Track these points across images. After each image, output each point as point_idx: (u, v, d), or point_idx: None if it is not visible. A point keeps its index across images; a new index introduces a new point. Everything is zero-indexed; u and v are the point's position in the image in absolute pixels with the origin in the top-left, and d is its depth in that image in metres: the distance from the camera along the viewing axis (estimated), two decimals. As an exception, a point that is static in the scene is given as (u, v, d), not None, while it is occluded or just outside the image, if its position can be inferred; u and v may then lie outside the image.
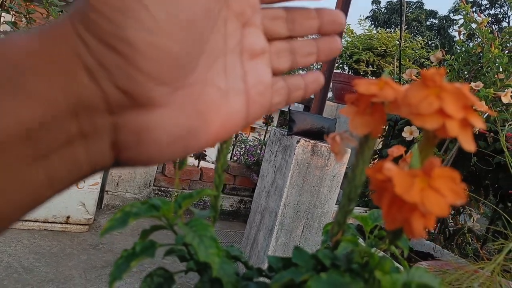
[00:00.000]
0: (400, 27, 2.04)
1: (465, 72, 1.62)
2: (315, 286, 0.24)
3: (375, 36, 2.15)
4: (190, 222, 0.31)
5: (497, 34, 1.51)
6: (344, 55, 2.19)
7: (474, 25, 1.58)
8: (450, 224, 1.68)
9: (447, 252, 1.48)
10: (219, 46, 0.23)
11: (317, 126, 1.62)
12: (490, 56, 1.43)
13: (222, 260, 0.33)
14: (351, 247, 0.34)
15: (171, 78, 0.20)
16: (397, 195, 0.21)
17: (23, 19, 1.82)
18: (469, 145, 0.23)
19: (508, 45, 1.50)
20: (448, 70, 1.65)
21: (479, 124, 0.23)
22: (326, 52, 0.29)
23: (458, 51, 1.68)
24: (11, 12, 1.80)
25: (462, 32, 1.60)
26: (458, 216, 1.69)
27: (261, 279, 0.35)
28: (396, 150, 0.41)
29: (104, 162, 0.20)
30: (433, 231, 1.75)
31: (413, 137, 1.57)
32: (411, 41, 2.38)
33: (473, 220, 1.65)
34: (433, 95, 0.23)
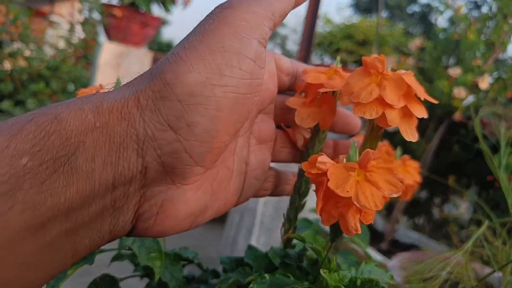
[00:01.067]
0: (378, 14, 2.01)
1: (444, 60, 1.60)
2: (257, 287, 0.23)
3: (355, 25, 2.12)
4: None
5: (474, 20, 1.49)
6: (322, 44, 2.16)
7: (451, 12, 1.56)
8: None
9: (433, 242, 1.46)
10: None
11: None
12: (467, 42, 1.40)
13: (170, 263, 0.32)
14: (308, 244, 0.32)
15: (209, 161, 0.21)
16: (331, 189, 0.20)
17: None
18: (410, 136, 0.22)
19: (484, 31, 1.48)
20: (427, 58, 1.63)
21: (420, 114, 0.22)
22: (344, 149, 0.31)
23: (438, 38, 1.66)
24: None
25: (438, 18, 1.58)
26: (443, 205, 1.68)
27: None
28: (357, 139, 0.39)
29: (123, 231, 0.20)
30: (418, 222, 1.74)
31: (396, 128, 1.54)
32: (391, 29, 2.35)
33: (457, 208, 1.64)
34: (375, 83, 0.22)
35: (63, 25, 1.91)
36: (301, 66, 0.28)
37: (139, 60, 2.02)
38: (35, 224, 0.16)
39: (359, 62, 2.26)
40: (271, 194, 0.30)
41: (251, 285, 0.23)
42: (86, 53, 1.99)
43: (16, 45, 1.75)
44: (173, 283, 0.30)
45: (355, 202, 0.19)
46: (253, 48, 0.20)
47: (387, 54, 1.89)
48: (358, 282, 0.24)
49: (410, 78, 0.22)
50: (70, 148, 0.17)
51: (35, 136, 0.16)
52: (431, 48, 1.59)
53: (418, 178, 0.38)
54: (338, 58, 0.28)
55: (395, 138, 1.55)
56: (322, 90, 0.25)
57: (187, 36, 0.20)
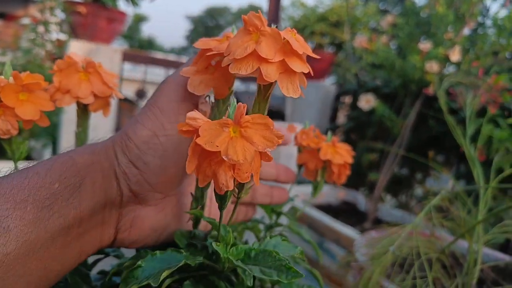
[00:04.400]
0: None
1: (417, 35, 1.59)
2: (146, 265, 0.24)
3: (328, 6, 2.09)
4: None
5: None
6: (296, 29, 2.12)
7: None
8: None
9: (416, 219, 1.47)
10: None
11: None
12: (437, 15, 1.40)
13: None
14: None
15: (165, 189, 0.29)
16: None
17: None
18: (291, 91, 0.21)
19: (454, 3, 1.47)
20: (400, 35, 1.61)
21: (300, 68, 0.22)
22: (278, 198, 0.38)
23: (410, 13, 1.65)
24: None
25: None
26: (424, 181, 1.69)
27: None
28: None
29: (108, 240, 0.28)
30: (402, 199, 1.75)
31: (371, 106, 1.53)
32: (365, 8, 2.32)
33: (438, 182, 1.65)
34: (253, 40, 0.22)
35: (37, 28, 1.84)
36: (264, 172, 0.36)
37: (108, 57, 1.96)
38: (66, 227, 0.24)
39: (334, 44, 2.23)
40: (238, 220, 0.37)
41: (139, 262, 0.23)
42: (61, 55, 1.92)
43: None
44: (75, 278, 0.29)
45: (223, 156, 0.19)
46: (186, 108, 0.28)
47: (361, 33, 1.88)
48: (252, 253, 0.23)
49: (289, 35, 0.22)
50: (80, 177, 0.25)
51: (61, 170, 0.25)
52: (403, 24, 1.58)
53: (349, 160, 0.38)
54: (234, 27, 0.28)
55: (371, 117, 1.55)
56: (209, 53, 0.25)
57: (143, 106, 0.30)
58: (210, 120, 0.21)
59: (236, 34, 0.24)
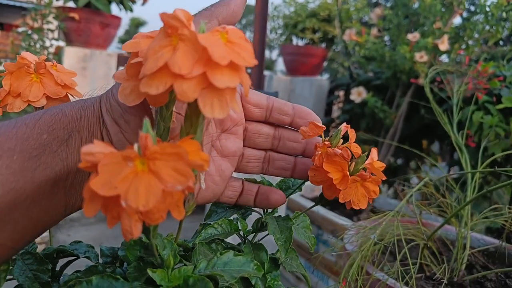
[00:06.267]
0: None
1: (407, 26, 1.60)
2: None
3: (318, 2, 2.10)
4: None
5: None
6: (289, 26, 2.14)
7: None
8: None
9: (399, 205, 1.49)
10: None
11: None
12: (424, 5, 1.41)
13: (37, 263, 0.31)
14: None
15: None
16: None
17: None
18: (215, 110, 0.17)
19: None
20: (390, 26, 1.62)
21: (226, 82, 0.17)
22: (301, 172, 0.34)
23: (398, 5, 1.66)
24: None
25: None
26: (419, 169, 1.70)
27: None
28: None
29: None
30: (398, 189, 1.76)
31: (362, 99, 1.55)
32: (355, 2, 2.33)
33: (431, 170, 1.66)
34: (171, 46, 0.18)
35: (32, 35, 1.86)
36: (277, 102, 0.33)
37: (104, 62, 1.98)
38: (52, 179, 0.24)
39: (325, 40, 2.25)
40: (237, 203, 0.34)
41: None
42: (59, 61, 1.95)
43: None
44: (35, 286, 0.29)
45: (122, 201, 0.15)
46: None
47: (352, 27, 1.89)
48: (191, 281, 0.21)
49: (213, 38, 0.18)
50: (69, 129, 0.25)
51: (49, 121, 0.25)
52: (392, 15, 1.59)
53: (376, 194, 0.31)
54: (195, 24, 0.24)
55: (365, 109, 1.56)
56: (133, 61, 0.21)
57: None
58: (113, 151, 0.17)
59: (156, 36, 0.19)
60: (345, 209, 1.56)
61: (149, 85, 0.18)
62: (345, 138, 0.33)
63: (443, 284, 0.64)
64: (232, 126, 0.32)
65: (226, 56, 0.17)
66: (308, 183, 0.35)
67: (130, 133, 0.27)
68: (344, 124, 0.33)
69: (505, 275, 0.72)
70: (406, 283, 0.60)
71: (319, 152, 0.31)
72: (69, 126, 0.25)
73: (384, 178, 0.31)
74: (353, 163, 0.31)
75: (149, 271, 0.22)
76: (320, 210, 1.30)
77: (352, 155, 0.31)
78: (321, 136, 0.32)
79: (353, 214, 1.44)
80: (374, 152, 0.31)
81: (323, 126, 0.31)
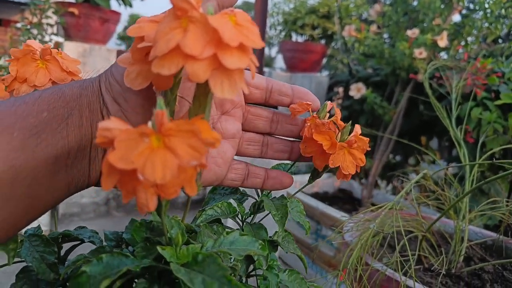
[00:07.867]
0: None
1: (406, 23, 1.60)
2: (91, 270, 0.21)
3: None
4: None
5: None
6: (288, 22, 2.14)
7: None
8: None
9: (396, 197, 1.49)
10: None
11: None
12: (423, 2, 1.41)
13: (44, 245, 0.31)
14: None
15: (143, 119, 0.28)
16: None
17: None
18: (224, 91, 0.17)
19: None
20: (389, 23, 1.63)
21: (237, 63, 0.17)
22: (298, 154, 0.35)
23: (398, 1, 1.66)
24: None
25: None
26: (417, 165, 1.71)
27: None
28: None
29: (96, 177, 0.28)
30: (397, 185, 1.77)
31: (362, 95, 1.55)
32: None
33: (428, 165, 1.67)
34: (181, 28, 0.18)
35: (31, 30, 1.85)
36: (276, 83, 0.34)
37: (104, 57, 1.98)
38: (53, 157, 0.24)
39: (325, 36, 2.25)
40: (243, 186, 0.34)
41: (83, 268, 0.21)
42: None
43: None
44: (42, 267, 0.29)
45: (139, 175, 0.16)
46: None
47: (351, 24, 1.90)
48: (200, 257, 0.22)
49: (223, 20, 0.18)
50: (69, 108, 0.25)
51: (49, 100, 0.25)
52: (391, 12, 1.59)
53: (363, 162, 0.33)
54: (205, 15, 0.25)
55: (364, 105, 1.57)
56: (140, 46, 0.21)
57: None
58: (129, 128, 0.17)
59: (164, 18, 0.19)
60: (343, 204, 1.57)
61: (161, 66, 0.18)
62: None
63: (441, 275, 0.65)
64: (232, 108, 0.33)
65: (236, 38, 0.18)
66: (306, 181, 0.38)
67: (130, 112, 0.27)
68: (329, 102, 0.36)
69: (502, 267, 0.73)
70: (405, 274, 0.61)
71: (308, 124, 0.34)
72: (69, 105, 0.25)
73: (369, 148, 0.34)
74: (339, 133, 0.34)
75: (158, 248, 0.22)
76: (319, 205, 1.31)
77: (338, 128, 0.34)
78: (309, 112, 0.35)
79: (351, 209, 1.45)
80: (357, 127, 0.35)
81: (310, 103, 0.34)
